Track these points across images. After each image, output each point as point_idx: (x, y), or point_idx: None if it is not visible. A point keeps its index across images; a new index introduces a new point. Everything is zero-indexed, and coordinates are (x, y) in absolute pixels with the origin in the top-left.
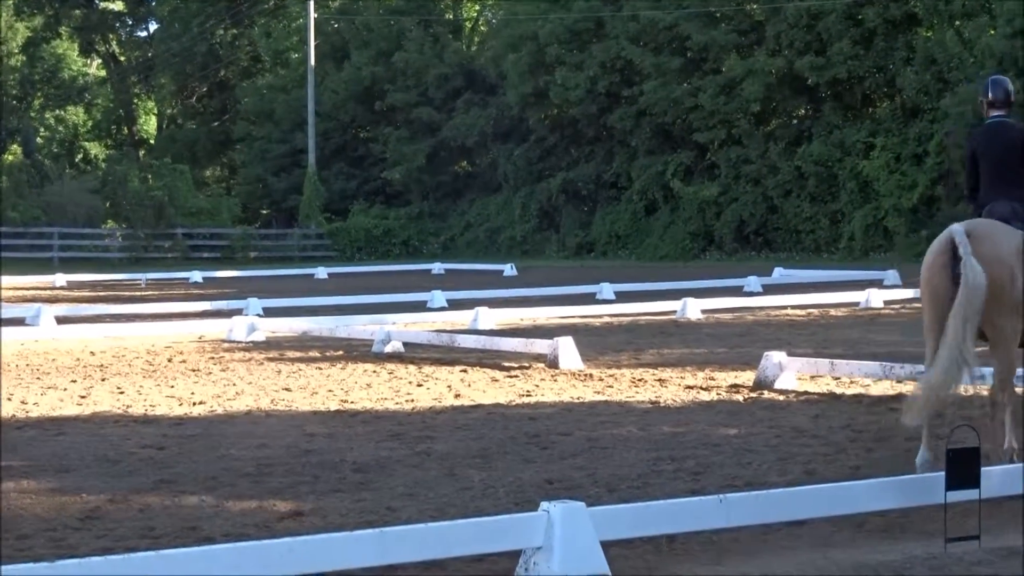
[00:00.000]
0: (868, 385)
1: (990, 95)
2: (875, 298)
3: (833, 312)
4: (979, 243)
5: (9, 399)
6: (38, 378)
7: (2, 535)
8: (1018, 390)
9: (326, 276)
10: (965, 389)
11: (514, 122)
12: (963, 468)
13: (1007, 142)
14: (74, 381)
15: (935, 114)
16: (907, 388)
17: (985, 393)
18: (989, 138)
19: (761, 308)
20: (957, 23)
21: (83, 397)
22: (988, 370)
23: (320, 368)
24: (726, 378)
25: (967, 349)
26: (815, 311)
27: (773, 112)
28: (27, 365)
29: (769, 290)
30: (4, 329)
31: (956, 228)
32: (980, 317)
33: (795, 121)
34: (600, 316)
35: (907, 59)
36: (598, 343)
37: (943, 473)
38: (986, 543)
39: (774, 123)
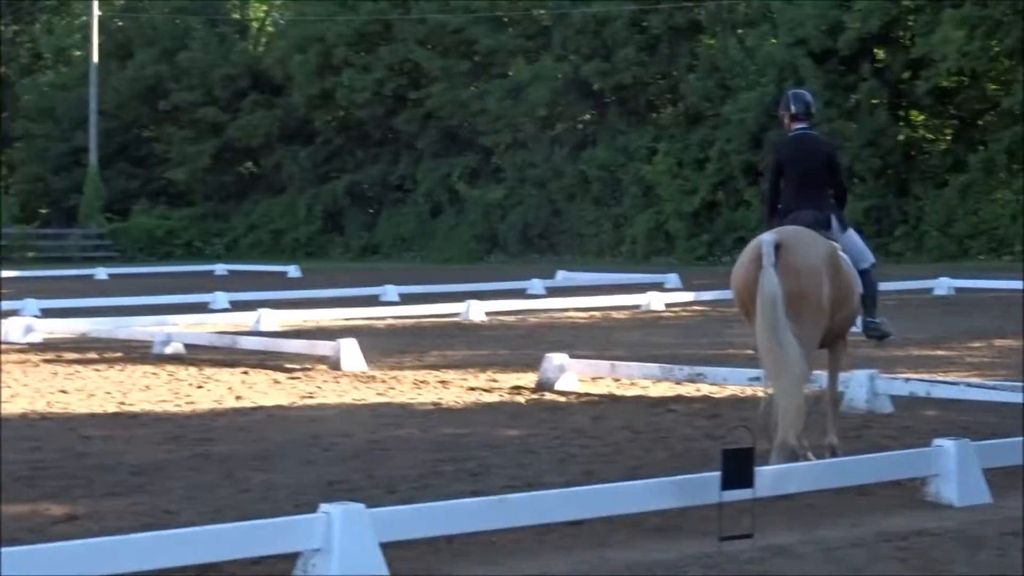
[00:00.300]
0: (648, 386)
1: (792, 108)
2: (656, 301)
3: (615, 315)
4: (790, 252)
5: None
6: None
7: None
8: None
9: (107, 277)
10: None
11: (300, 123)
12: (738, 468)
13: (813, 154)
14: None
15: (717, 120)
16: (686, 390)
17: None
18: (795, 149)
19: (544, 311)
20: (739, 31)
21: None
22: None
23: (98, 370)
24: (508, 380)
25: (784, 355)
26: (597, 314)
27: (559, 116)
28: None
29: (552, 293)
30: None
31: (765, 239)
32: (790, 321)
33: (580, 126)
34: (384, 318)
35: (690, 66)
36: (382, 345)
37: (718, 473)
38: (759, 541)
39: (559, 127)
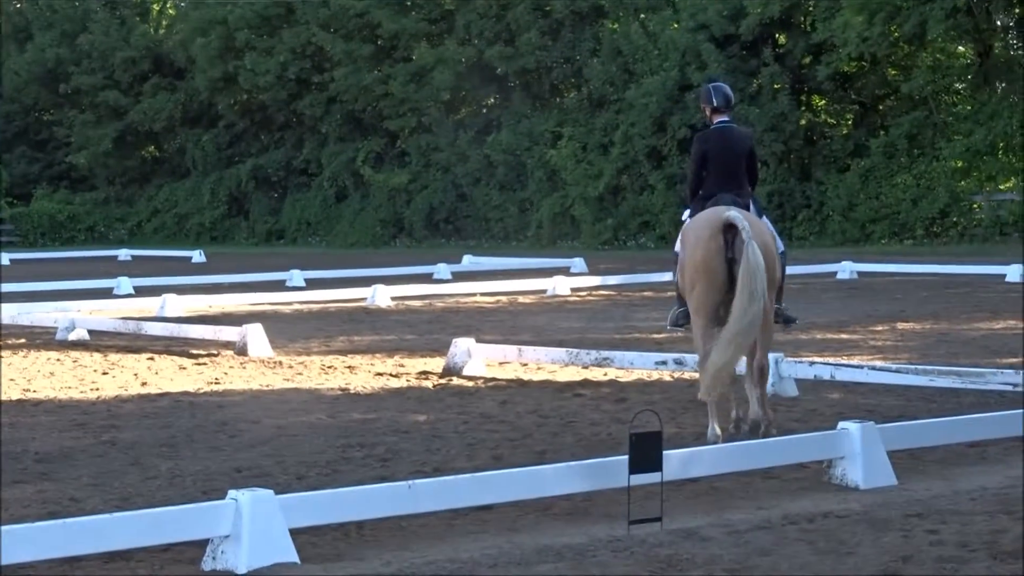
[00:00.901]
0: (555, 371)
1: (714, 102)
2: (562, 285)
3: (521, 299)
4: (753, 231)
5: None
6: None
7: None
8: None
9: (8, 262)
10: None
11: (203, 107)
12: (646, 452)
13: (735, 145)
14: None
15: (621, 105)
16: (593, 374)
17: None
18: (719, 141)
19: (451, 295)
20: (642, 16)
21: None
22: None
23: (1, 356)
24: (416, 365)
25: (753, 328)
26: (504, 298)
27: (463, 101)
28: None
29: (459, 277)
30: None
31: (735, 215)
32: (765, 297)
33: (484, 110)
34: (290, 303)
35: (594, 50)
36: (288, 330)
37: (626, 457)
38: (668, 525)
39: (464, 111)
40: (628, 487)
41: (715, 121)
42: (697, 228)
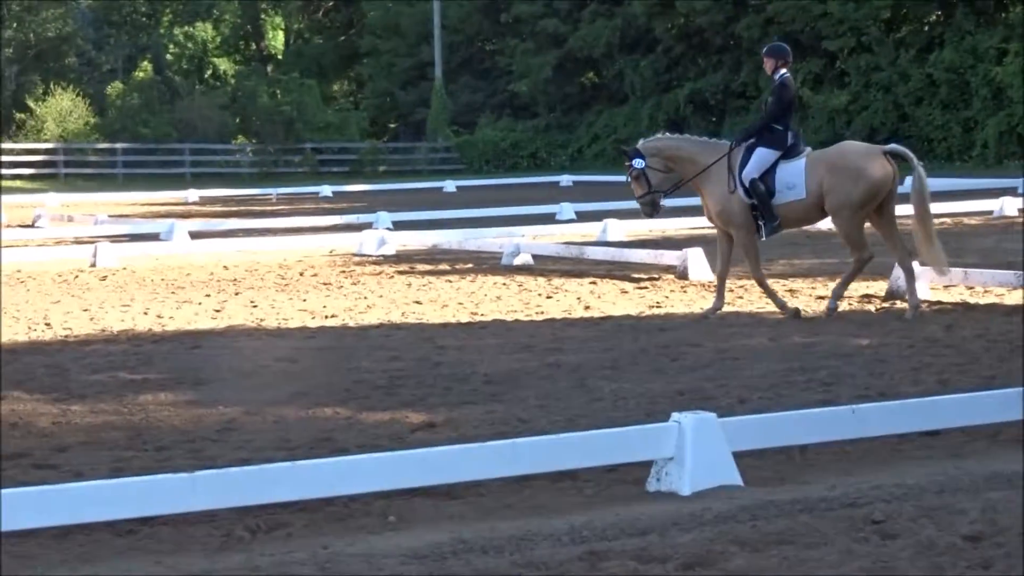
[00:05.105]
0: (1002, 295)
1: (783, 58)
2: (1009, 206)
3: (967, 220)
4: None
5: (145, 313)
6: (173, 292)
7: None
8: None
9: (455, 189)
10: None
11: (640, 32)
12: None
13: (797, 91)
14: (208, 295)
15: None
16: None
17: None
18: (796, 88)
19: None
20: None
21: (217, 311)
22: None
23: (450, 281)
24: (858, 288)
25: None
26: (948, 220)
27: (903, 18)
28: (162, 280)
29: (901, 199)
30: (139, 244)
31: (898, 147)
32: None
33: (926, 27)
34: None
35: None
36: None
37: None
38: None
39: (904, 30)
40: None
41: (782, 72)
42: (866, 157)
